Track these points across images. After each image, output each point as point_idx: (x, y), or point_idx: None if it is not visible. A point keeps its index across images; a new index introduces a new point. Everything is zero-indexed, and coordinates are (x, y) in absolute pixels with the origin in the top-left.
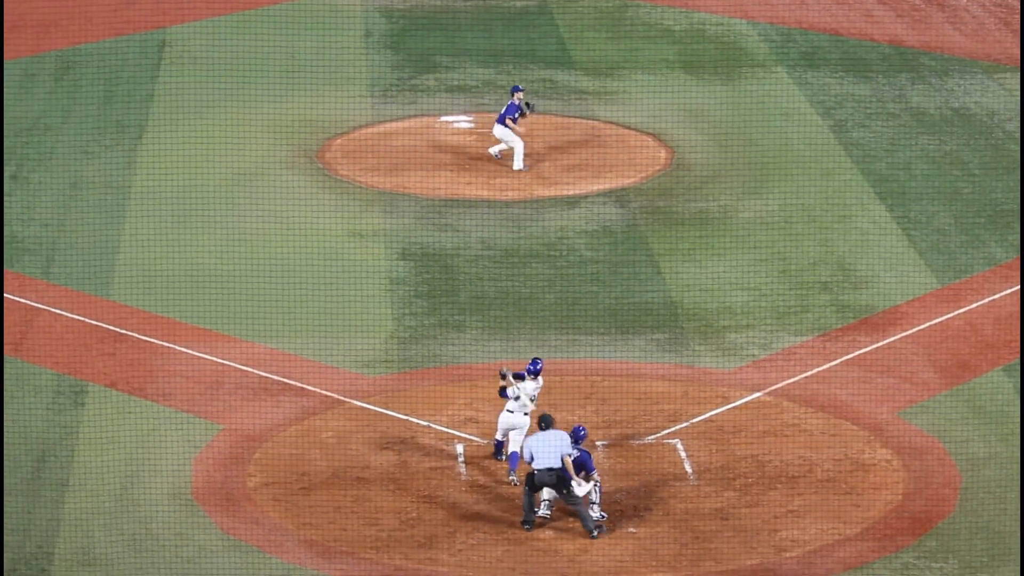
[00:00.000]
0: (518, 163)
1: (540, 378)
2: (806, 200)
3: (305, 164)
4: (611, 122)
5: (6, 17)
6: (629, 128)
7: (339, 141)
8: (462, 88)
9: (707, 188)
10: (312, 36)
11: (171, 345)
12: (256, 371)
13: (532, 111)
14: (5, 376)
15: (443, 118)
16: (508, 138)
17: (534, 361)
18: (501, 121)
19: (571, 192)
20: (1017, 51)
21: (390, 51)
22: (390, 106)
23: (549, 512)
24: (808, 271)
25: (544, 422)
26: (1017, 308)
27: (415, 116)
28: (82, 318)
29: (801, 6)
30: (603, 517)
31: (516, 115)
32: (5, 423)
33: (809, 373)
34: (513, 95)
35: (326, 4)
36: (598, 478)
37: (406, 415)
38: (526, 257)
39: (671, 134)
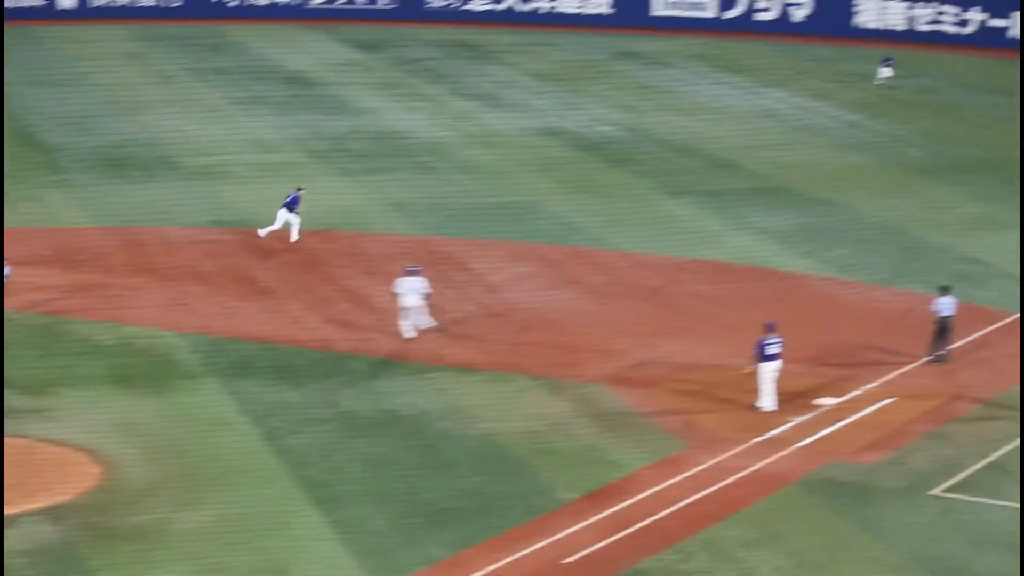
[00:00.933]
0: (267, 230)
1: None
2: (242, 509)
3: None
4: (44, 440)
5: None
6: (62, 445)
7: None
8: None
9: (143, 502)
10: None
11: None
12: None
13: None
14: None
15: None
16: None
17: None
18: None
19: (5, 512)
20: (445, 351)
21: None
22: None
23: None
24: None
25: None
26: None
27: None
28: None
29: (230, 316)
30: None
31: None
32: None
33: None
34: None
35: None
36: None
37: None
38: None
39: (104, 449)
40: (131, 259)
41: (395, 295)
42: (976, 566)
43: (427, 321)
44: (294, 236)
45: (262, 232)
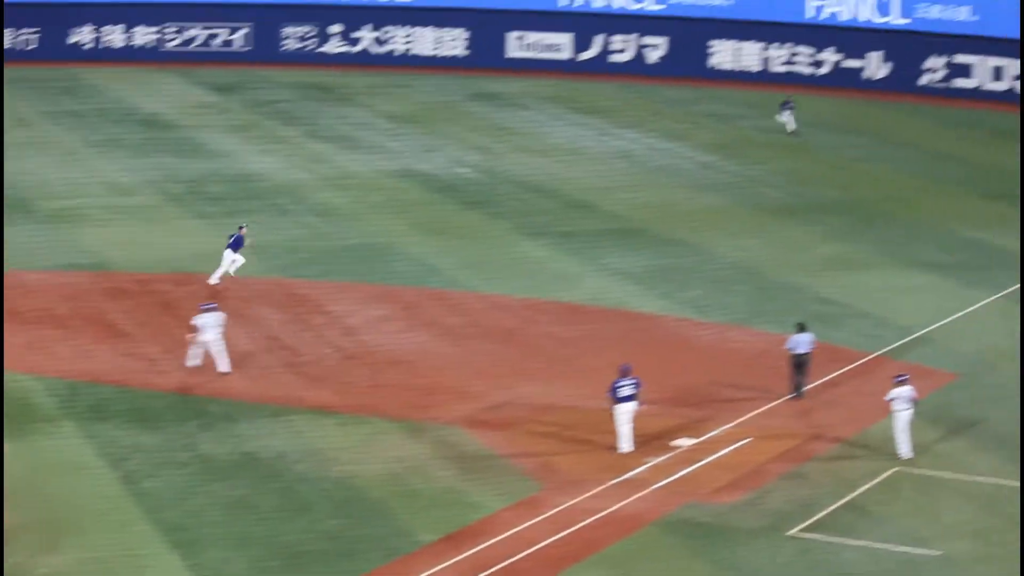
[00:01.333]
0: (217, 274)
1: None
2: (101, 553)
3: None
4: None
5: None
6: None
7: None
8: None
9: None
10: None
11: None
12: None
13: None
14: None
15: None
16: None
17: None
18: (233, 248)
19: None
20: (302, 393)
21: None
22: None
23: None
24: None
25: None
26: None
27: None
28: None
29: (87, 359)
30: None
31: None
32: None
33: None
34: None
35: None
36: None
37: None
38: None
39: None
40: None
41: (194, 329)
42: None
43: (225, 365)
44: (228, 273)
45: (212, 279)
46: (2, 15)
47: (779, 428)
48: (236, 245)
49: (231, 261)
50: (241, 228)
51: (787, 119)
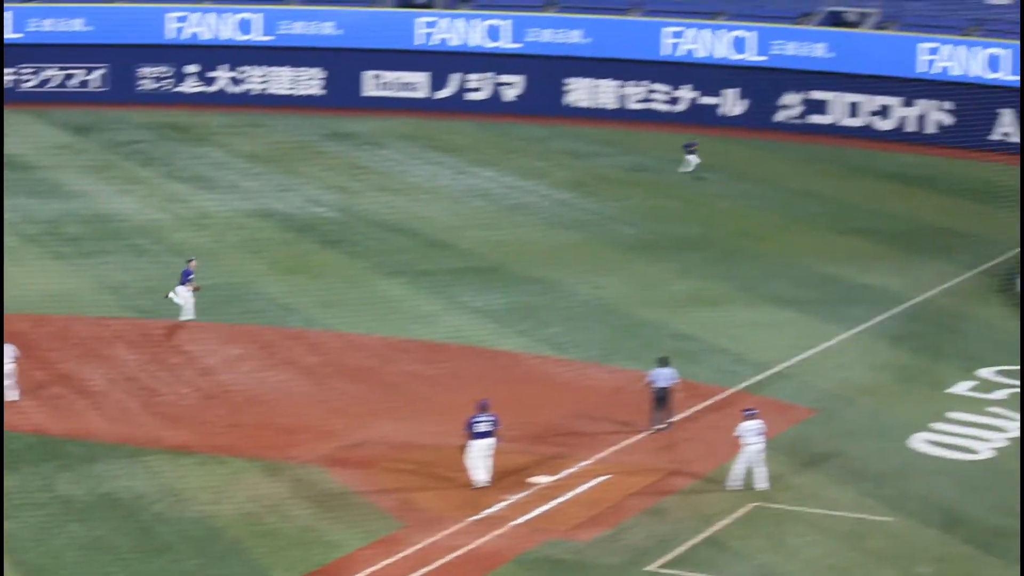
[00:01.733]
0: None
1: None
2: None
3: None
4: None
5: None
6: None
7: None
8: None
9: None
10: None
11: None
12: None
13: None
14: None
15: None
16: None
17: None
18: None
19: None
20: (160, 433)
21: None
22: None
23: None
24: None
25: None
26: None
27: None
28: None
29: None
30: None
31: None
32: None
33: None
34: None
35: None
36: None
37: None
38: None
39: None
40: None
41: None
42: None
43: (15, 395)
44: (185, 315)
45: (183, 318)
46: (2, 18)
47: (638, 464)
48: (183, 279)
49: (183, 296)
50: (190, 261)
51: (692, 160)
